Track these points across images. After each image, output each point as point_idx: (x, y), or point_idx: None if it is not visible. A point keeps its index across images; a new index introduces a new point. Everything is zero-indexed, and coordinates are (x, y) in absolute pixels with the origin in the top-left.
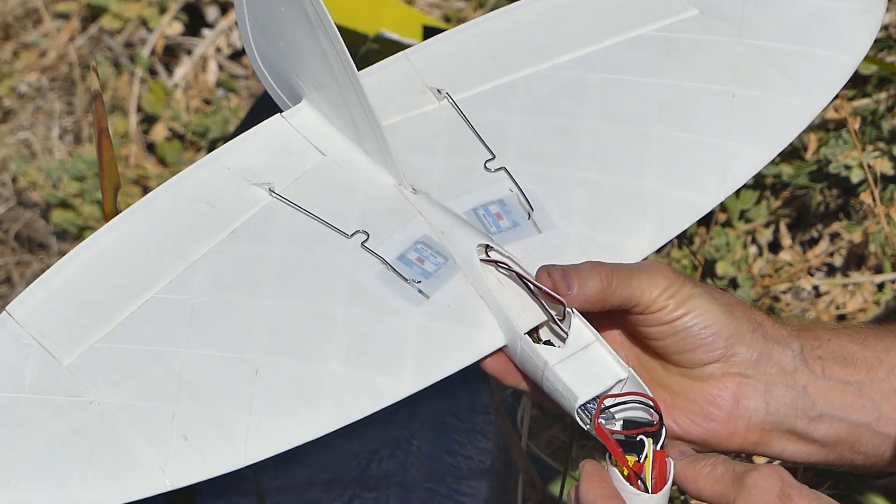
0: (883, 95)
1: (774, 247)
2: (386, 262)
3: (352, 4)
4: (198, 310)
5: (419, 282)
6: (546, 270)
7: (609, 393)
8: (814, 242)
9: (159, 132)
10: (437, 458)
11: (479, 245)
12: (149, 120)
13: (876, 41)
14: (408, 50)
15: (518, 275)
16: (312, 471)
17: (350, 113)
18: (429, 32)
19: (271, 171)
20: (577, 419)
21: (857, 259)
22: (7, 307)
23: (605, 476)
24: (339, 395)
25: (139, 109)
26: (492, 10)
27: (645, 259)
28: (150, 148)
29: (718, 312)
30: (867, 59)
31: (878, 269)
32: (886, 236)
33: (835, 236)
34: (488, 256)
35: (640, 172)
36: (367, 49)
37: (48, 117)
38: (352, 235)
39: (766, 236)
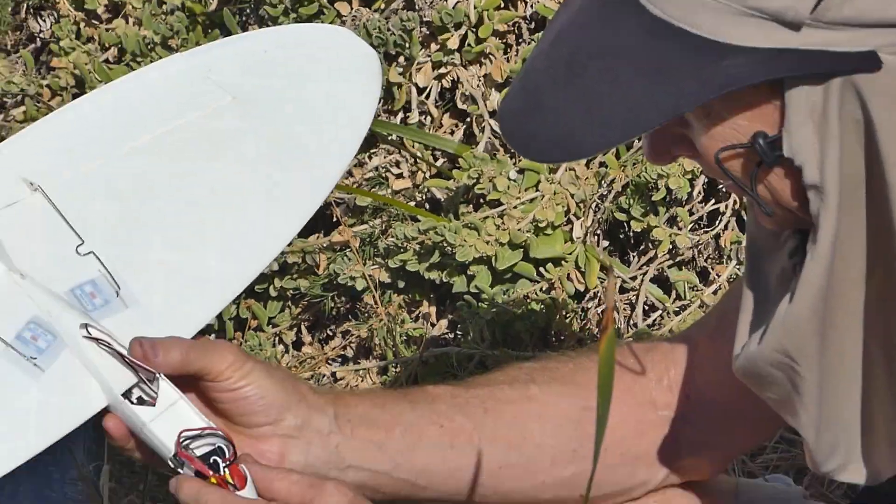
0: (377, 221)
1: (298, 345)
2: (5, 342)
3: None
4: None
5: (35, 358)
6: (138, 342)
7: (187, 429)
8: (330, 339)
9: None
10: None
11: (81, 325)
12: None
13: (370, 180)
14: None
15: (116, 350)
16: None
17: None
18: None
19: None
20: (171, 465)
21: (364, 350)
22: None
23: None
24: None
25: None
26: None
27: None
28: None
29: (272, 386)
30: (362, 193)
31: (383, 357)
32: (388, 330)
33: (346, 333)
34: (89, 334)
35: (201, 251)
36: None
37: None
38: None
39: (290, 337)
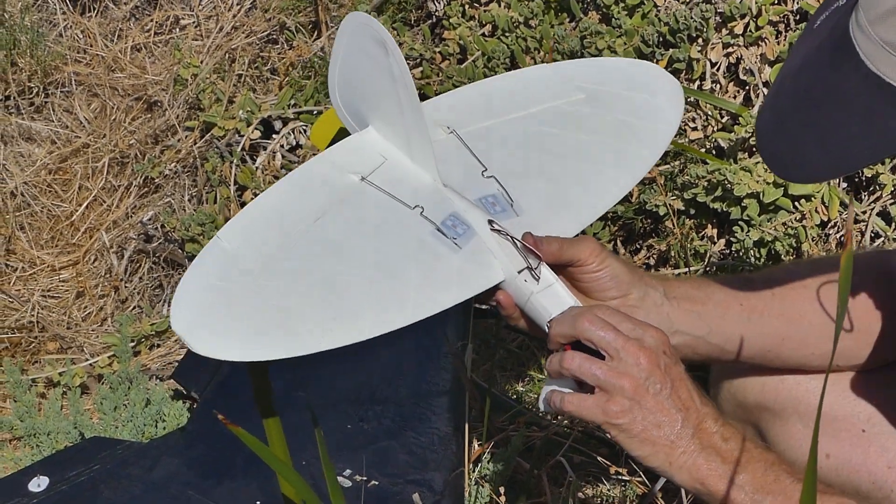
0: (676, 163)
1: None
2: (436, 225)
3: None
4: (337, 246)
5: (456, 239)
6: (529, 234)
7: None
8: (638, 251)
9: (248, 196)
10: (417, 385)
11: (488, 220)
12: (241, 189)
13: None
14: (425, 102)
15: (512, 238)
16: (340, 393)
17: (407, 135)
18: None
19: (357, 166)
20: (546, 329)
21: (663, 259)
22: (218, 233)
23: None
24: (416, 302)
25: (236, 182)
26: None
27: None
28: (243, 205)
29: (621, 269)
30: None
31: (676, 266)
32: (681, 245)
33: (650, 247)
34: (493, 227)
35: (565, 186)
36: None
37: (182, 188)
38: (414, 207)
39: (609, 248)
